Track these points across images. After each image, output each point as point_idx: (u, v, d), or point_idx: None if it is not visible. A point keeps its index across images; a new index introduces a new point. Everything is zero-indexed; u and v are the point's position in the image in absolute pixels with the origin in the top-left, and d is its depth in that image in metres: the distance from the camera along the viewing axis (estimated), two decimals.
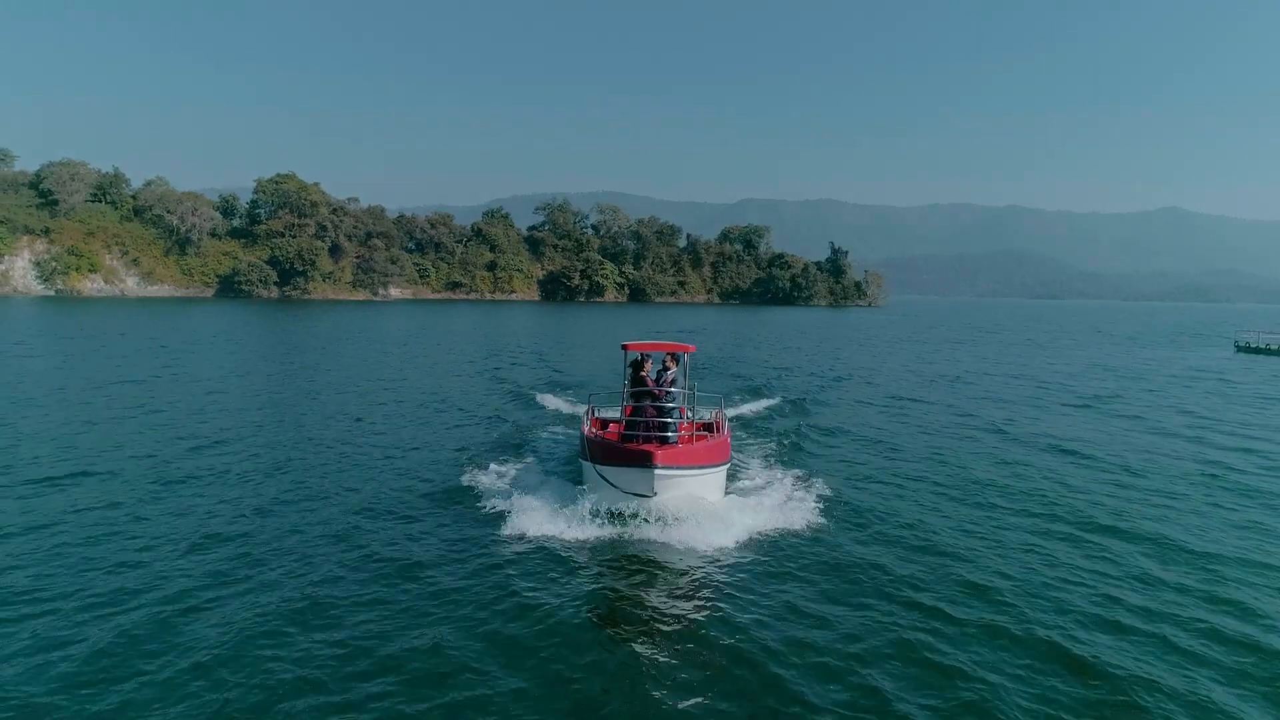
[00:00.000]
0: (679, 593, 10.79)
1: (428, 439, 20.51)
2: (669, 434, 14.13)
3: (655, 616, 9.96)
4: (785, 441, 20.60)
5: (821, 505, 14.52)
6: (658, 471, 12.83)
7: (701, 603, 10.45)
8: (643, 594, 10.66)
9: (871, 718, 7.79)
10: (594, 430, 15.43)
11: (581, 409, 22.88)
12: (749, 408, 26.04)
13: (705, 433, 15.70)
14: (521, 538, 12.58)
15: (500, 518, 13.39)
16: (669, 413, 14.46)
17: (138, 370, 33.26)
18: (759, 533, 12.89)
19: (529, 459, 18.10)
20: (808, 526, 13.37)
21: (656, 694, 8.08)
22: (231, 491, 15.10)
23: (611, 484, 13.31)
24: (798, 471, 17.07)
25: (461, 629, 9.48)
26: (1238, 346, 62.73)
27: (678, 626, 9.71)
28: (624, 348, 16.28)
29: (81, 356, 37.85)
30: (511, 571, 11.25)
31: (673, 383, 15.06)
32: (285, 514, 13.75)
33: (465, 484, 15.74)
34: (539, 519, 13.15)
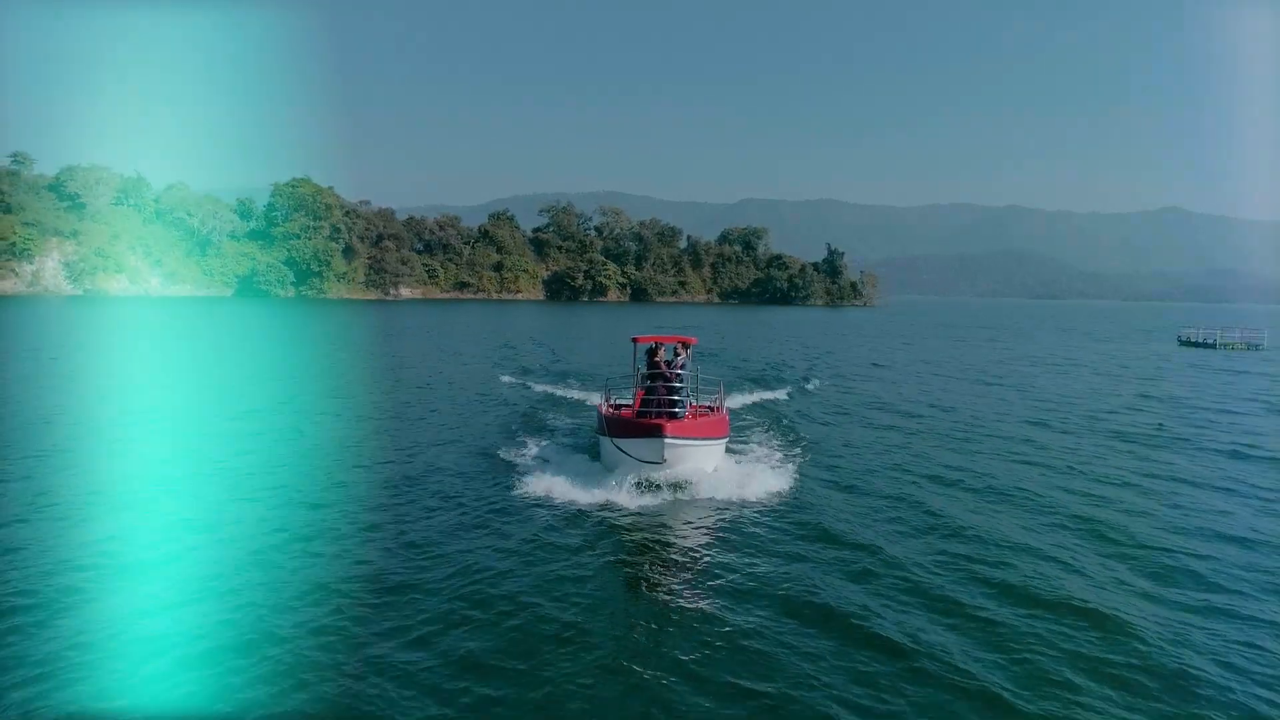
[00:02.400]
0: (681, 548, 12.61)
1: (458, 421, 23.37)
2: (677, 410, 16.05)
3: (660, 569, 11.79)
4: (776, 423, 23.92)
5: (801, 475, 17.15)
6: (667, 441, 14.59)
7: (699, 556, 12.27)
8: (651, 549, 12.58)
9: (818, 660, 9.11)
10: (610, 409, 17.57)
11: (590, 396, 27.08)
12: (746, 397, 28.80)
13: (707, 413, 17.93)
14: (547, 504, 14.54)
15: (528, 487, 15.43)
16: (678, 392, 16.35)
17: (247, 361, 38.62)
18: (752, 498, 14.99)
19: (548, 440, 20.32)
20: (791, 493, 15.66)
21: (655, 634, 9.68)
22: (309, 460, 18.63)
23: (627, 454, 15.08)
24: (783, 446, 20.13)
25: (494, 582, 11.09)
26: (1180, 341, 67.88)
27: (679, 578, 11.48)
28: (634, 340, 18.47)
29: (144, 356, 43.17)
30: (540, 532, 13.13)
31: (683, 366, 17.02)
32: (333, 483, 16.15)
33: (495, 460, 17.96)
34: (562, 488, 15.13)
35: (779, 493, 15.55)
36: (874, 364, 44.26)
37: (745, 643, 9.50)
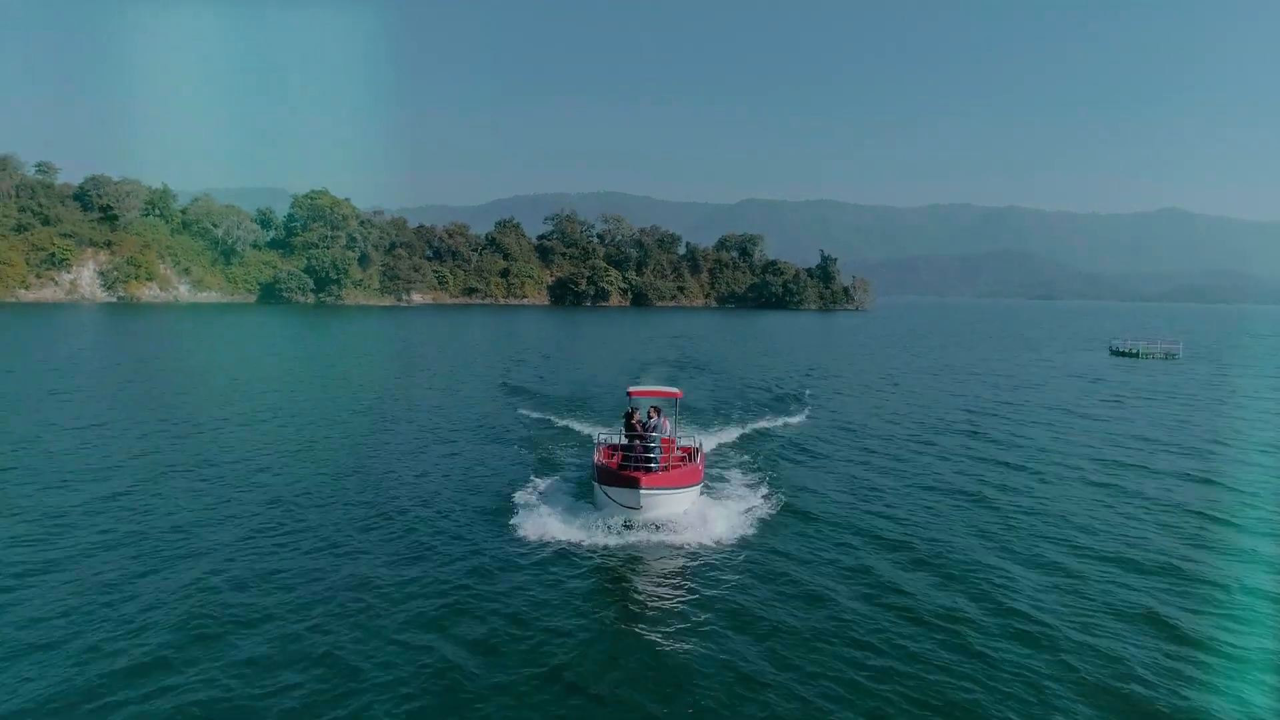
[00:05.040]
0: (660, 579, 15.08)
1: (468, 449, 25.96)
2: (653, 464, 18.37)
3: (640, 595, 14.35)
4: (749, 458, 25.44)
5: (762, 508, 19.53)
6: (643, 491, 17.22)
7: (675, 587, 14.61)
8: (633, 580, 15.04)
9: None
10: (602, 459, 19.74)
11: (591, 429, 28.27)
12: (727, 433, 29.66)
13: (685, 458, 19.94)
14: (544, 540, 17.03)
15: (529, 522, 17.88)
16: (652, 448, 18.74)
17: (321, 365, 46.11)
18: (718, 534, 17.35)
19: (553, 477, 22.21)
20: (751, 526, 18.15)
21: (633, 649, 11.95)
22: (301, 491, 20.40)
23: (612, 499, 17.80)
24: (752, 481, 22.24)
25: (501, 603, 13.42)
26: (1111, 350, 74.81)
27: (657, 604, 13.89)
28: (628, 393, 21.82)
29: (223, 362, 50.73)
30: (539, 561, 15.72)
31: (654, 427, 19.64)
32: (341, 507, 18.84)
33: (502, 496, 20.11)
34: (560, 526, 17.63)
35: (741, 527, 18.06)
36: (820, 380, 51.24)
37: (686, 658, 11.67)
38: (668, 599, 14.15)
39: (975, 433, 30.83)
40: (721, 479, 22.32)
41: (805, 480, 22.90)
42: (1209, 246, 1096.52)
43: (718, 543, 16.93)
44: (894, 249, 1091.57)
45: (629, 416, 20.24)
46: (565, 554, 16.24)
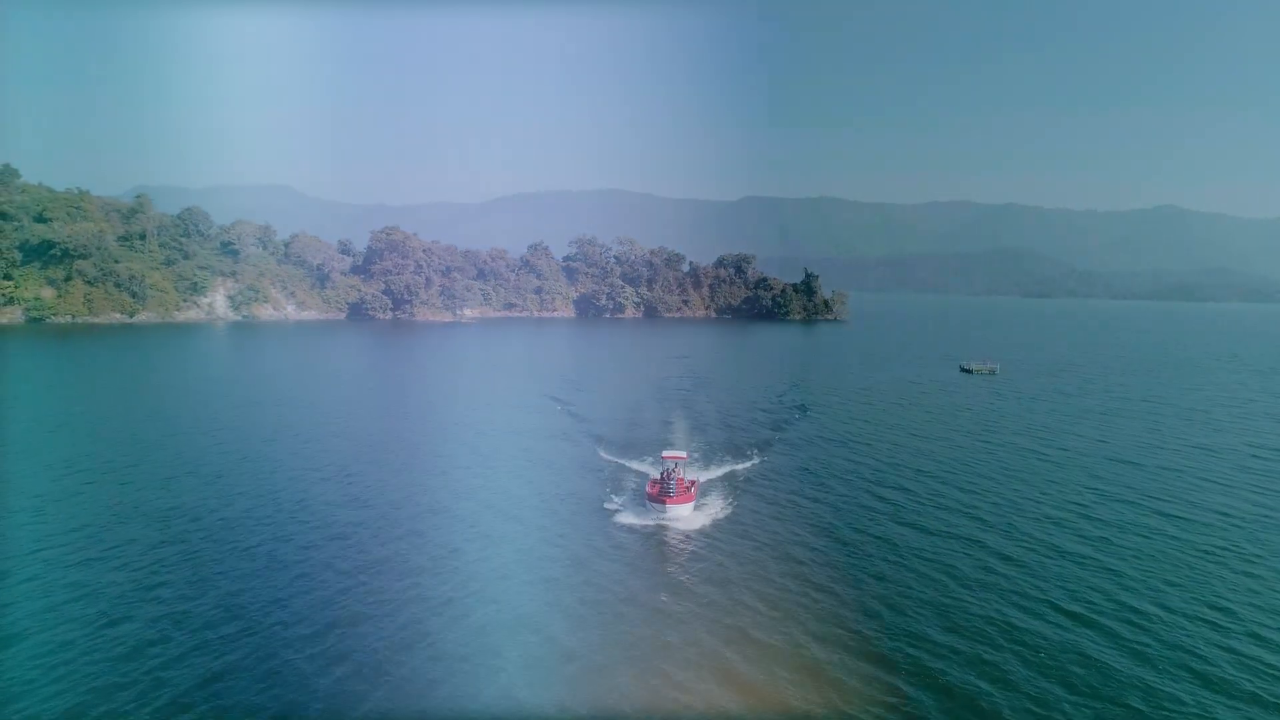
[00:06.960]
0: (676, 541, 36.74)
1: (571, 479, 47.57)
2: (671, 493, 39.57)
3: (664, 542, 36.63)
4: (726, 484, 45.84)
5: (723, 513, 40.67)
6: (667, 506, 39.28)
7: (682, 538, 37.03)
8: (663, 538, 37.17)
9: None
10: (649, 488, 41.18)
11: (638, 463, 49.74)
12: (716, 469, 49.38)
13: (688, 488, 40.68)
14: (619, 523, 38.91)
15: (607, 513, 40.09)
16: (671, 485, 39.80)
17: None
18: (706, 524, 38.86)
19: (625, 496, 43.15)
20: (717, 525, 38.71)
21: (660, 571, 32.90)
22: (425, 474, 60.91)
23: (654, 508, 39.70)
24: (724, 498, 43.11)
25: (583, 560, 33.36)
26: (960, 369, 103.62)
27: (672, 544, 36.09)
28: (662, 456, 43.51)
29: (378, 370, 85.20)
30: (627, 528, 38.21)
31: (672, 474, 40.30)
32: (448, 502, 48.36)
33: (600, 503, 41.65)
34: (634, 517, 39.58)
35: (714, 524, 39.17)
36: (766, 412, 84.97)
37: (680, 562, 33.87)
38: (675, 544, 35.99)
39: (848, 442, 64.80)
40: (704, 495, 43.81)
41: (747, 496, 45.74)
42: (1204, 244, 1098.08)
43: (697, 527, 38.75)
44: (894, 246, 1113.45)
45: (663, 471, 41.50)
46: (636, 526, 38.49)
